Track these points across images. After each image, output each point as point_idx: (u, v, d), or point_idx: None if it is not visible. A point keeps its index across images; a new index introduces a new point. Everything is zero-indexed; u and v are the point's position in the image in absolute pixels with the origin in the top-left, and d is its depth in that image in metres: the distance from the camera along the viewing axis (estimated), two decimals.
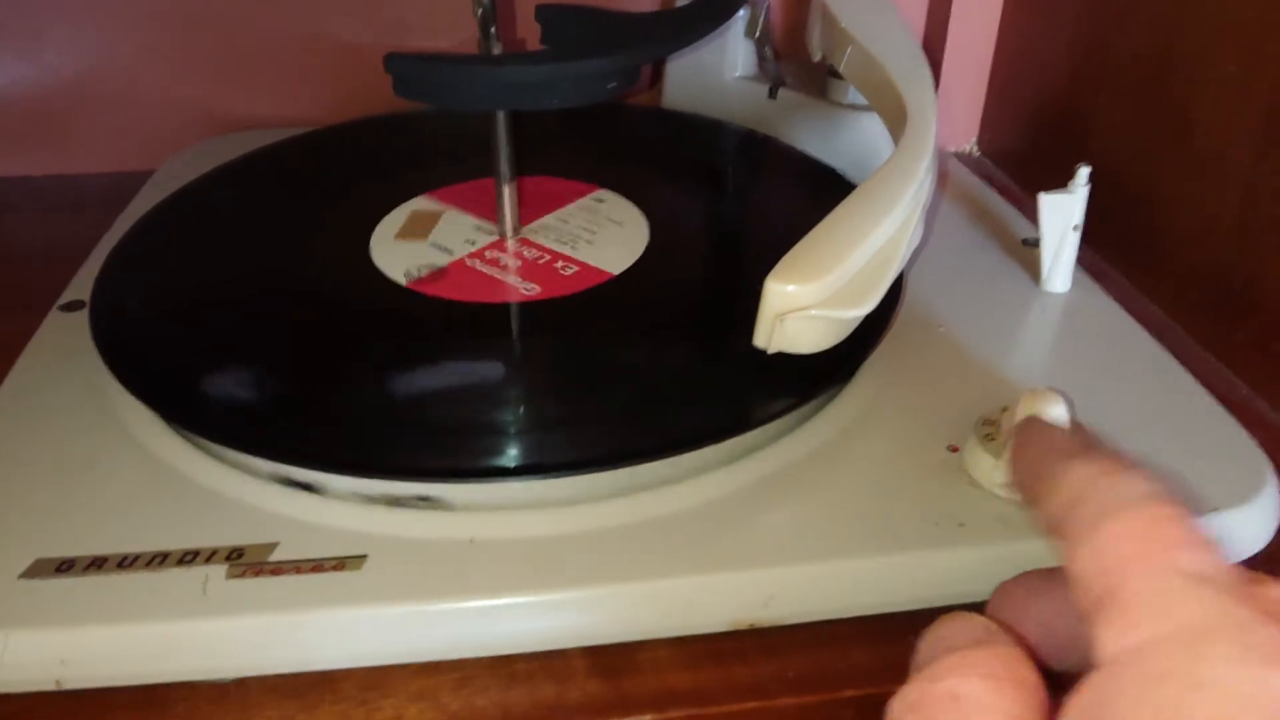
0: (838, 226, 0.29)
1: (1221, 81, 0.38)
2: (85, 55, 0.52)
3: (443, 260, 0.37)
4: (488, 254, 0.37)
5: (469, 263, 0.37)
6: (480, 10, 0.33)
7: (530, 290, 0.35)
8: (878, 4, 0.42)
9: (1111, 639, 0.16)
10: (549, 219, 0.40)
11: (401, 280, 0.36)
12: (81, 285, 0.38)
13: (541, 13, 0.35)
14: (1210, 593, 0.16)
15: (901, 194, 0.31)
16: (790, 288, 0.27)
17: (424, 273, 0.36)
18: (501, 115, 0.35)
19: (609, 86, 0.31)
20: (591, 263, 0.37)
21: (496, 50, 0.34)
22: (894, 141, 0.36)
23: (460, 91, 0.31)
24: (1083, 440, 0.23)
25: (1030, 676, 0.18)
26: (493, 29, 0.33)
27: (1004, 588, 0.23)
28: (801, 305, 0.28)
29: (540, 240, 0.38)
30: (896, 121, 0.36)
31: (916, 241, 0.32)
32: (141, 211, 0.42)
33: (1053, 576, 0.22)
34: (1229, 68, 0.38)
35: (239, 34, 0.53)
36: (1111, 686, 0.15)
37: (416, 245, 0.38)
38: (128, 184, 0.48)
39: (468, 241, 0.38)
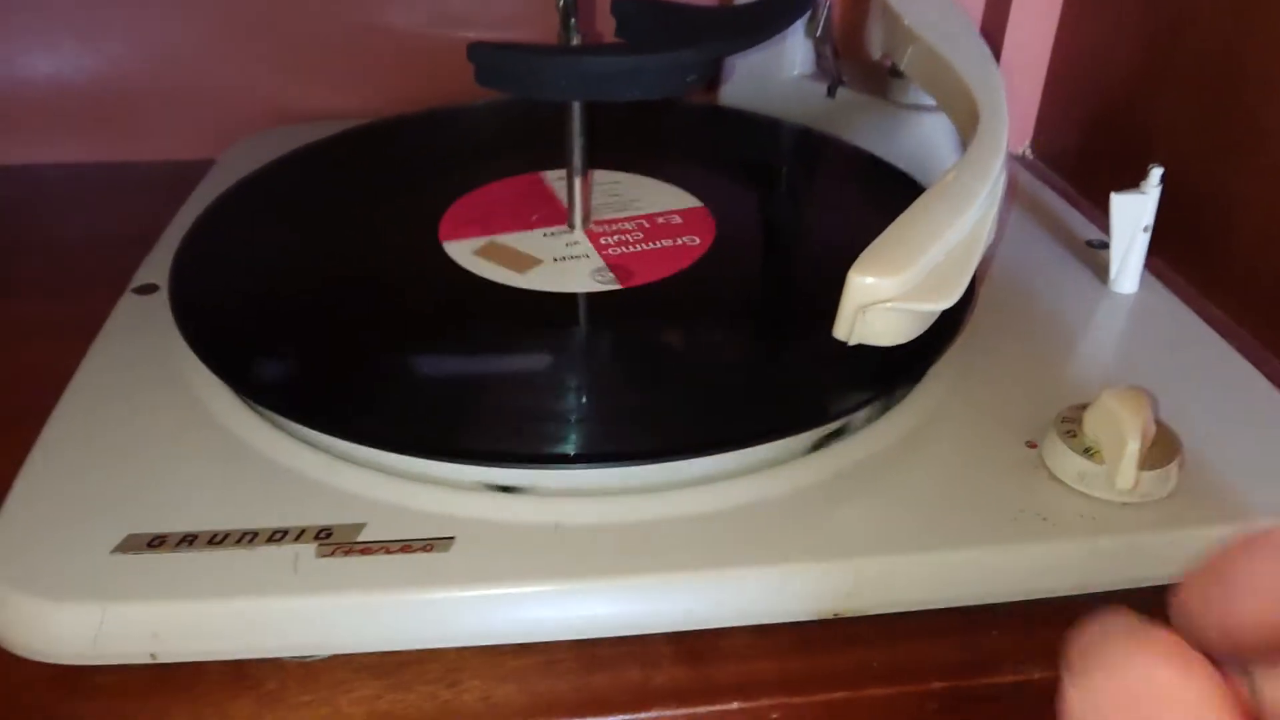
0: (916, 222, 0.29)
1: None
2: (146, 47, 0.53)
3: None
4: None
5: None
6: (562, 2, 0.33)
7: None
8: (940, 1, 0.42)
9: None
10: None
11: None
12: (152, 269, 0.38)
13: (618, 6, 0.35)
14: None
15: (978, 189, 0.31)
16: (871, 280, 0.27)
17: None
18: (577, 107, 0.35)
19: (688, 80, 0.32)
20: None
21: (576, 41, 0.34)
22: (961, 137, 0.36)
23: (541, 81, 0.31)
24: None
25: (1204, 659, 0.17)
26: (573, 20, 0.33)
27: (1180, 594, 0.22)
28: (882, 298, 0.28)
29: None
30: (966, 118, 0.36)
31: (991, 239, 0.32)
32: (205, 199, 0.42)
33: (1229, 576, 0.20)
34: None
35: (296, 27, 0.53)
36: None
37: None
38: (185, 172, 0.48)
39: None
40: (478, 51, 0.31)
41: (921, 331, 0.29)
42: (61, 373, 0.33)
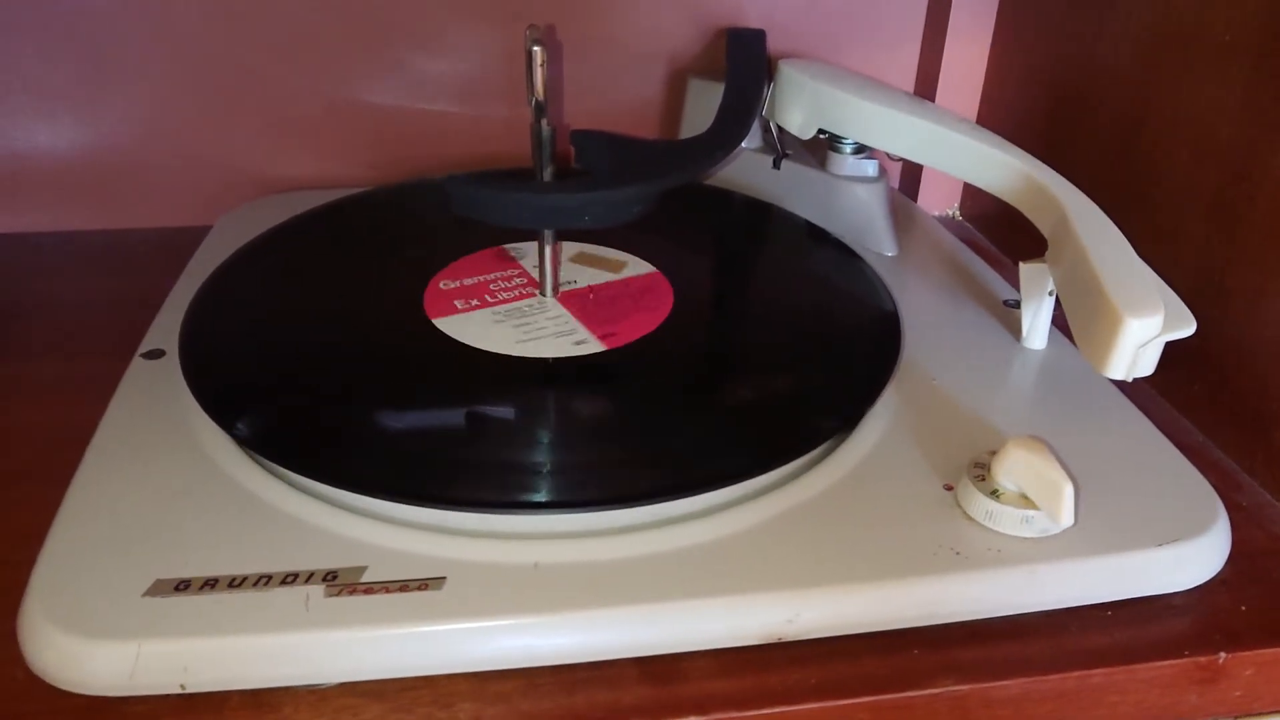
0: (1120, 272, 0.35)
1: (1176, 165, 0.43)
2: (140, 121, 0.56)
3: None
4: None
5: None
6: (534, 100, 0.37)
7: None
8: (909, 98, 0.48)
9: None
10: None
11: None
12: (158, 335, 0.42)
13: (575, 137, 0.40)
14: None
15: (1118, 234, 0.38)
16: (1146, 321, 0.33)
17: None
18: None
19: (634, 210, 0.36)
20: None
21: (545, 130, 0.38)
22: (1036, 224, 0.42)
23: (507, 213, 0.36)
24: None
25: None
26: (544, 119, 0.38)
27: None
28: (1155, 334, 0.34)
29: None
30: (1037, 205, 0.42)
31: None
32: (202, 266, 0.46)
33: None
34: (1183, 154, 0.43)
35: (279, 102, 0.57)
36: None
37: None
38: (177, 239, 0.51)
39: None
40: (454, 184, 0.35)
41: None
42: (75, 429, 0.36)
